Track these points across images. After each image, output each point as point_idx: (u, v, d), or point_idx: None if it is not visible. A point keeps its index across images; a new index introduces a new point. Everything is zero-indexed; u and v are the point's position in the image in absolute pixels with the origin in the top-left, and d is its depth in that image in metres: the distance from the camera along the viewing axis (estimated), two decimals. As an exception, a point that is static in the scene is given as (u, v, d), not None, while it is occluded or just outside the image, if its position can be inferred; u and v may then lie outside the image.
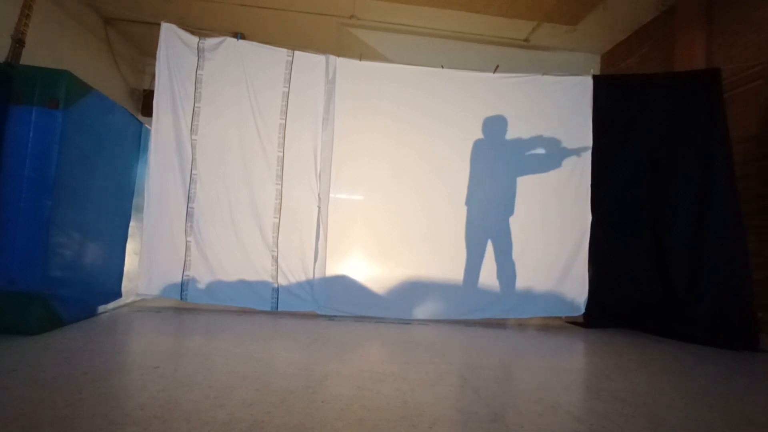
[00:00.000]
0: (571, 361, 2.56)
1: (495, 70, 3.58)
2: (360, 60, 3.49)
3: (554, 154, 3.55)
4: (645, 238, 3.43)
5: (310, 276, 3.33)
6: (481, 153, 3.54)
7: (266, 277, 3.30)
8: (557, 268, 3.48)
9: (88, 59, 4.47)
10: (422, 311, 3.40)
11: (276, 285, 3.30)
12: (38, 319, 2.26)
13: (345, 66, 3.46)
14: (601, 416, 1.51)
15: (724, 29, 3.53)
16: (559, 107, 3.57)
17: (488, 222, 3.50)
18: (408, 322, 3.29)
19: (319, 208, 3.37)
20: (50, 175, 2.31)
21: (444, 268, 3.43)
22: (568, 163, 3.55)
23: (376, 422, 1.36)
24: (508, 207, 3.52)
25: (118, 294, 3.16)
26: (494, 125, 3.56)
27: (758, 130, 3.15)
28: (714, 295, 3.04)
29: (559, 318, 3.58)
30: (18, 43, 3.39)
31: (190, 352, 2.11)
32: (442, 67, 3.55)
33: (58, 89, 2.35)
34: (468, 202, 3.50)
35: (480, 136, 3.55)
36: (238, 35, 3.85)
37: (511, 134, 3.56)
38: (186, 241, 3.23)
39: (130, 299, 3.33)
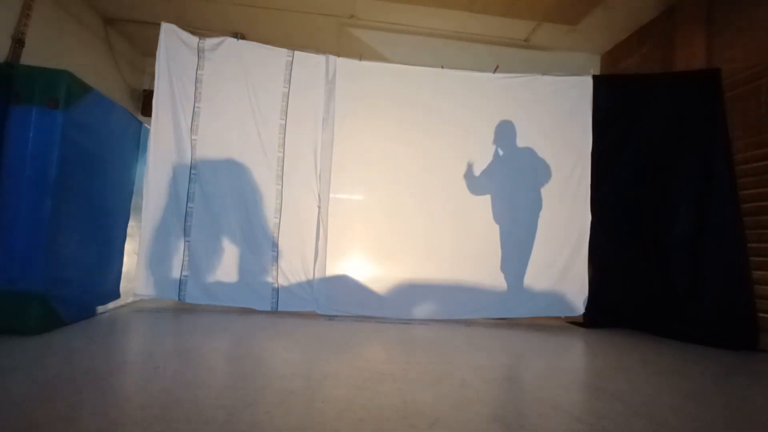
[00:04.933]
0: (571, 361, 2.56)
1: (495, 70, 3.58)
2: (360, 60, 3.49)
3: (553, 155, 3.56)
4: (645, 239, 3.42)
5: (310, 276, 3.33)
6: (482, 153, 3.54)
7: (266, 277, 3.30)
8: (557, 268, 3.48)
9: (88, 59, 4.46)
10: (422, 311, 3.39)
11: (276, 285, 3.30)
12: (38, 319, 2.26)
13: (345, 66, 3.46)
14: (601, 416, 1.51)
15: (724, 29, 3.52)
16: (559, 107, 3.57)
17: (490, 222, 3.51)
18: (408, 322, 3.29)
19: (319, 208, 3.37)
20: (50, 175, 2.31)
21: (444, 267, 3.43)
22: (568, 163, 3.55)
23: (376, 422, 1.36)
24: (510, 209, 3.53)
25: (116, 294, 3.15)
26: (495, 126, 3.56)
27: (758, 130, 3.15)
28: (714, 295, 3.04)
29: (559, 318, 3.58)
30: (18, 43, 3.39)
31: (190, 352, 2.11)
32: (442, 67, 3.55)
33: (58, 89, 2.35)
34: (471, 202, 3.51)
35: (481, 136, 3.55)
36: (238, 35, 3.85)
37: (511, 136, 3.56)
38: (185, 241, 3.23)
39: (129, 299, 3.33)
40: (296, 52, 3.42)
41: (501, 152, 3.55)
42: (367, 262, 3.43)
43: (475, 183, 3.50)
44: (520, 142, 3.56)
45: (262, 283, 3.29)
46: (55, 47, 3.91)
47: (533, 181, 3.54)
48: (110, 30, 4.77)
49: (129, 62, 5.20)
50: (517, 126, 3.56)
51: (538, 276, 3.47)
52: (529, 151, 3.56)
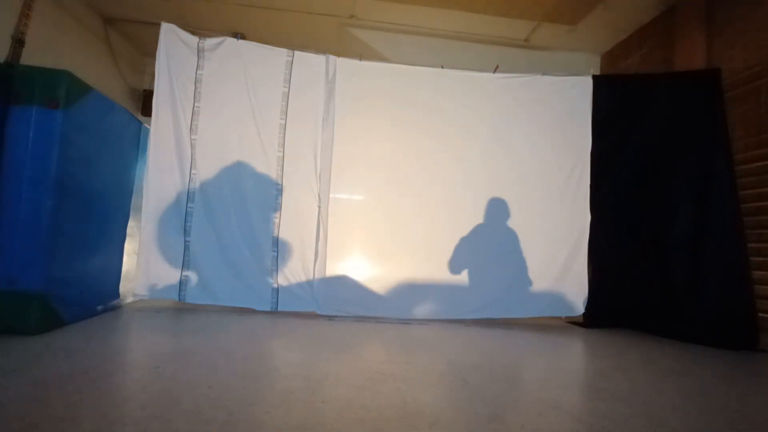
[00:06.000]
0: (571, 361, 2.56)
1: (495, 70, 3.58)
2: (360, 60, 3.49)
3: (553, 155, 3.55)
4: (645, 238, 3.42)
5: (310, 276, 3.33)
6: (482, 153, 3.54)
7: (266, 277, 3.30)
8: (557, 268, 3.48)
9: (88, 59, 4.46)
10: (422, 311, 3.40)
11: (276, 285, 3.30)
12: (38, 319, 2.26)
13: (345, 66, 3.46)
14: (601, 416, 1.51)
15: (724, 29, 3.52)
16: (559, 107, 3.57)
17: (489, 222, 3.50)
18: (408, 322, 3.29)
19: (319, 208, 3.37)
20: (50, 175, 2.31)
21: (443, 267, 3.43)
22: (568, 163, 3.55)
23: (376, 422, 1.36)
24: (508, 208, 3.52)
25: (116, 294, 3.15)
26: (495, 126, 3.56)
27: (758, 130, 3.15)
28: (714, 295, 3.04)
29: (559, 318, 3.58)
30: (18, 43, 3.40)
31: (190, 352, 2.11)
32: (442, 67, 3.55)
33: (58, 89, 2.35)
34: (471, 202, 3.51)
35: (480, 136, 3.55)
36: (238, 35, 3.85)
37: (511, 135, 3.56)
38: (185, 241, 3.23)
39: (129, 299, 3.33)
40: (296, 52, 3.42)
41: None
42: (367, 262, 3.43)
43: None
44: (519, 144, 3.56)
45: (262, 283, 3.29)
46: (55, 47, 3.91)
47: (529, 182, 3.54)
48: (110, 30, 4.77)
49: (129, 62, 5.20)
50: (517, 126, 3.56)
51: (538, 276, 3.47)
52: (527, 151, 3.56)
